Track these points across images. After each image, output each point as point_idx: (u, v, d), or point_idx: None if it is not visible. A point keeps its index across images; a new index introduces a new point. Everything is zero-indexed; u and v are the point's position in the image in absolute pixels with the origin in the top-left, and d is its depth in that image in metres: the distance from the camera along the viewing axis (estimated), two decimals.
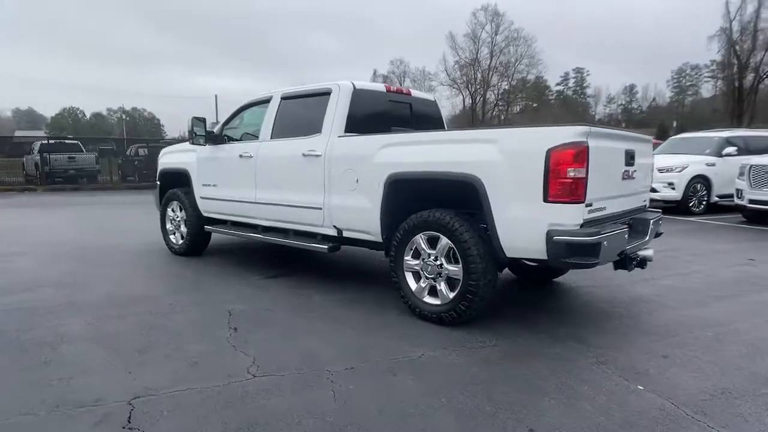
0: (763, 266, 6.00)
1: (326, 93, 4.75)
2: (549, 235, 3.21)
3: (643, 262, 3.80)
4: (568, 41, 66.55)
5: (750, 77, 38.46)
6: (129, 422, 2.49)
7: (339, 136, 4.52)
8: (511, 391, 2.81)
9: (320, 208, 4.60)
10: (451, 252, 3.73)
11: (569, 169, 3.14)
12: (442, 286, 3.80)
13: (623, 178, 3.81)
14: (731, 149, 11.23)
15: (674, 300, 4.55)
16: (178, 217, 6.40)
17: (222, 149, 5.70)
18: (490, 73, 52.04)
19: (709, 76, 66.87)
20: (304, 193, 4.72)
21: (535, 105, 68.62)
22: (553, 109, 66.63)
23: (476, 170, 3.48)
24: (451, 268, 3.73)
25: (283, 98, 5.19)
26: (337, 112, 4.58)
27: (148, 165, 19.75)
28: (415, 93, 5.41)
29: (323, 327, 3.85)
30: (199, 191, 5.98)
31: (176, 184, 6.44)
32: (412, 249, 3.98)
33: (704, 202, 11.10)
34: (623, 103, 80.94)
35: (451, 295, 3.73)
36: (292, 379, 2.96)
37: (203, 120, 5.66)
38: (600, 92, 77.95)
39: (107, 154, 23.25)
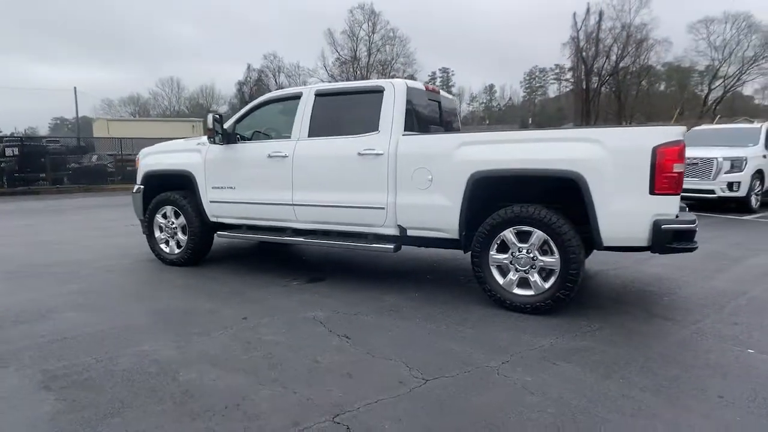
0: (715, 243, 7.12)
1: (377, 91, 4.68)
2: (656, 225, 3.59)
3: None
4: (436, 42, 70.42)
5: (595, 80, 44.29)
6: None
7: (403, 135, 4.49)
8: (663, 367, 3.12)
9: (382, 208, 4.53)
10: (545, 244, 3.96)
11: (675, 164, 3.54)
12: (535, 278, 4.01)
13: None
14: None
15: (686, 276, 5.25)
16: (173, 224, 5.78)
17: (240, 149, 5.29)
18: (369, 71, 53.07)
19: (554, 79, 75.73)
20: (361, 193, 4.61)
21: None
22: None
23: (579, 167, 3.74)
24: (547, 259, 3.95)
25: (318, 95, 4.98)
26: (395, 110, 4.54)
27: (23, 167, 17.06)
28: (442, 92, 5.52)
29: (431, 326, 3.84)
30: (208, 195, 5.48)
31: (169, 187, 5.81)
32: (497, 244, 4.13)
33: None
34: (484, 101, 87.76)
35: (547, 285, 3.97)
36: (467, 379, 2.97)
37: (222, 117, 5.20)
38: (463, 91, 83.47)
39: None
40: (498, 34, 71.41)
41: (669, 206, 3.61)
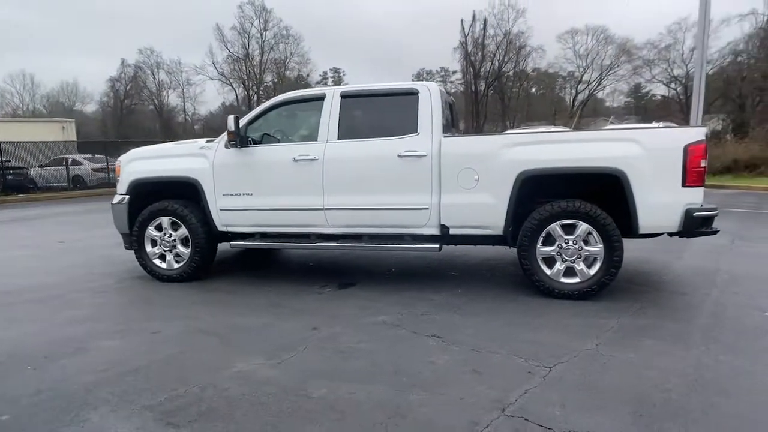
0: None
1: (411, 93, 4.75)
2: (688, 213, 4.12)
3: None
4: (326, 41, 70.22)
5: (482, 83, 47.38)
6: (545, 427, 2.47)
7: (445, 137, 4.62)
8: (721, 333, 3.63)
9: (426, 208, 4.62)
10: (589, 235, 4.33)
11: (701, 160, 4.09)
12: (581, 266, 4.37)
13: None
14: None
15: (663, 257, 5.99)
16: (171, 237, 5.30)
17: (258, 153, 5.03)
18: (263, 69, 51.62)
19: (440, 81, 79.65)
20: (403, 195, 4.65)
21: None
22: None
23: (621, 164, 4.15)
24: (592, 248, 4.33)
25: (344, 96, 4.90)
26: (433, 112, 4.66)
27: None
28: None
29: (502, 319, 4.03)
30: (218, 202, 5.12)
31: (165, 195, 5.32)
32: (543, 237, 4.43)
33: None
34: None
35: (592, 272, 4.35)
36: (582, 362, 3.21)
37: (238, 119, 4.89)
38: None
39: None
40: (386, 35, 72.95)
41: (697, 196, 4.17)
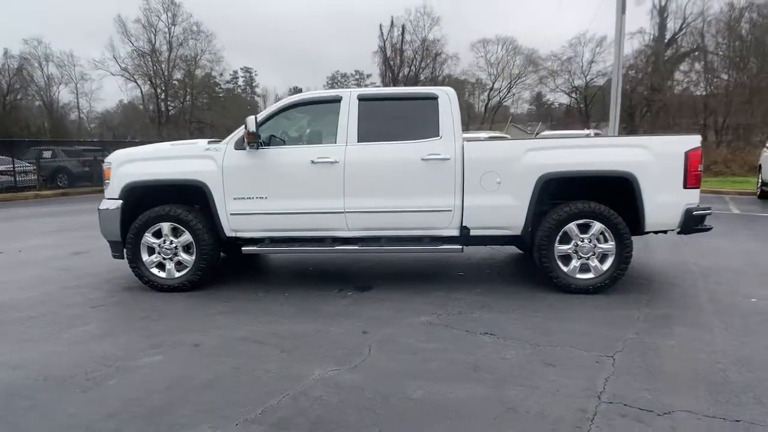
0: None
1: (431, 98, 4.86)
2: (688, 212, 4.61)
3: None
4: (237, 40, 67.93)
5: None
6: (646, 410, 2.70)
7: (466, 140, 4.77)
8: (731, 319, 4.10)
9: (449, 210, 4.74)
10: (602, 233, 4.69)
11: (699, 165, 4.60)
12: (595, 263, 4.72)
13: None
14: None
15: (640, 254, 6.56)
16: (172, 244, 4.95)
17: (272, 155, 4.86)
18: (171, 66, 48.77)
19: (354, 84, 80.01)
20: (427, 197, 4.74)
21: (205, 100, 67.36)
22: (223, 105, 66.94)
23: (632, 168, 4.55)
24: (605, 246, 4.70)
25: (362, 99, 4.89)
26: (454, 116, 4.80)
27: None
28: None
29: (539, 315, 4.24)
30: (228, 206, 4.86)
31: (163, 200, 4.96)
32: (559, 236, 4.73)
33: None
34: None
35: (604, 267, 4.71)
36: (635, 349, 3.50)
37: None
38: (268, 92, 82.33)
39: None
40: (299, 38, 71.82)
41: (695, 197, 4.67)
